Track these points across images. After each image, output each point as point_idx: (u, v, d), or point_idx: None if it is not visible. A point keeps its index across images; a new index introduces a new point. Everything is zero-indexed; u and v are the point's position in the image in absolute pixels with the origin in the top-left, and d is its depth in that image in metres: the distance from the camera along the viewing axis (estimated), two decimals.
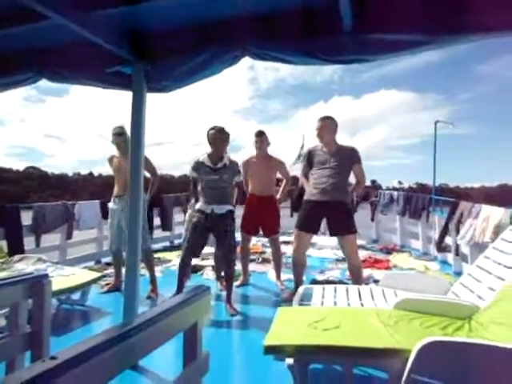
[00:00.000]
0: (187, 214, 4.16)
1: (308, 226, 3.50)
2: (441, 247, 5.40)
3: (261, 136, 4.09)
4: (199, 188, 3.52)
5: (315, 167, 3.52)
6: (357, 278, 3.47)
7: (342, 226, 3.41)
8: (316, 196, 3.44)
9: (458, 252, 5.00)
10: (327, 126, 3.50)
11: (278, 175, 4.26)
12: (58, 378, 0.72)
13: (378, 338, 1.75)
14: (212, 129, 3.34)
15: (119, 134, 3.80)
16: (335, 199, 3.37)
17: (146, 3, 1.92)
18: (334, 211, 3.40)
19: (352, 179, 3.65)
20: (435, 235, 5.87)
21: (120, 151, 3.87)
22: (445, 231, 5.25)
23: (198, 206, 3.45)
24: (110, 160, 3.97)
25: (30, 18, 1.96)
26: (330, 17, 1.91)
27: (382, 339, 1.74)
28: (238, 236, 4.49)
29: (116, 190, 3.92)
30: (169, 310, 1.12)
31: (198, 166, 3.39)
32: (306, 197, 3.59)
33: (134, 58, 2.34)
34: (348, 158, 3.47)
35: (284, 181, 4.26)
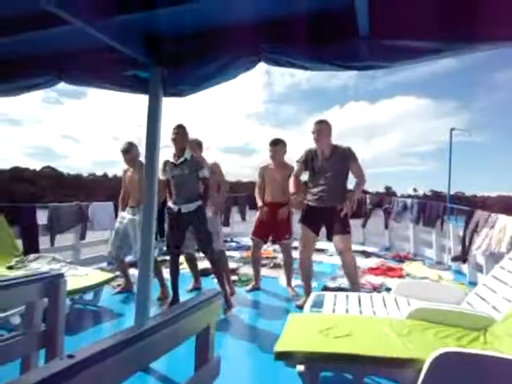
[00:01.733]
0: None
1: (310, 222, 3.54)
2: (460, 257, 5.21)
3: (274, 145, 4.08)
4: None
5: (312, 172, 3.56)
6: (353, 280, 3.48)
7: (337, 227, 3.43)
8: (314, 202, 3.51)
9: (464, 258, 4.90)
10: (324, 129, 3.51)
11: None
12: (76, 377, 0.73)
13: (390, 348, 1.73)
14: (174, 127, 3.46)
15: (125, 151, 3.88)
16: (332, 205, 3.42)
17: (163, 9, 1.95)
18: (330, 215, 3.43)
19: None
20: (450, 244, 5.77)
21: (133, 166, 3.95)
22: (463, 241, 5.11)
23: (169, 204, 3.56)
24: (125, 172, 4.07)
25: (51, 23, 2.00)
26: (346, 23, 1.91)
27: (394, 348, 1.72)
28: (249, 241, 4.51)
29: (130, 201, 3.99)
30: (181, 314, 1.12)
31: (164, 165, 3.52)
32: (305, 202, 3.62)
33: (151, 62, 2.37)
34: (343, 160, 3.48)
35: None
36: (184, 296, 3.59)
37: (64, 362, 0.74)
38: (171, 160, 3.49)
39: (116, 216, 4.34)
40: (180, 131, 3.44)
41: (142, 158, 3.62)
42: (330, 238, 3.55)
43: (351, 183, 3.63)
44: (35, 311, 1.63)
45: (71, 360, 0.76)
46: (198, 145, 4.05)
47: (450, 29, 1.77)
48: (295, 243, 4.16)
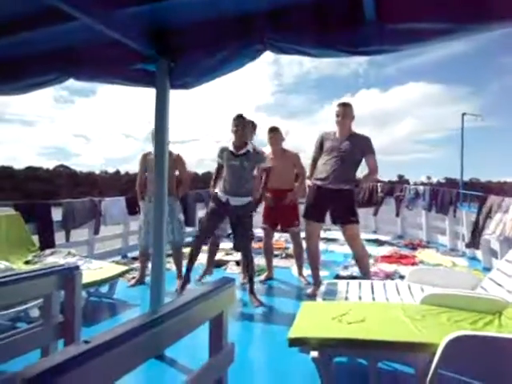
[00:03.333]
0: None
1: (314, 214, 3.51)
2: (473, 243, 5.17)
3: (273, 132, 4.10)
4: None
5: (324, 153, 3.52)
6: (363, 268, 3.47)
7: (343, 215, 3.41)
8: (319, 182, 3.47)
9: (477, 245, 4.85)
10: (348, 112, 3.47)
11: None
12: (91, 361, 0.75)
13: (403, 332, 1.73)
14: (234, 117, 3.40)
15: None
16: (337, 187, 3.36)
17: (168, 1, 1.95)
18: (336, 199, 3.39)
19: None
20: (463, 231, 5.70)
21: None
22: (476, 227, 5.05)
23: (218, 192, 3.51)
24: (144, 157, 3.94)
25: (57, 19, 2.02)
26: (351, 7, 1.88)
27: (408, 333, 1.72)
28: (260, 232, 4.52)
29: (151, 188, 3.78)
30: (195, 300, 1.14)
31: (222, 152, 3.47)
32: (312, 181, 3.60)
33: (157, 55, 2.37)
34: (359, 147, 3.42)
35: (300, 177, 4.21)
36: (194, 286, 3.64)
37: (79, 347, 0.77)
38: (230, 148, 3.42)
39: (131, 209, 4.24)
40: (242, 122, 3.38)
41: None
42: (334, 222, 3.55)
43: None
44: (52, 303, 1.67)
45: (86, 345, 0.78)
46: (253, 127, 3.96)
47: (459, 8, 1.72)
48: (303, 233, 4.15)
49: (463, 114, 6.75)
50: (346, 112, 3.45)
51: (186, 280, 3.52)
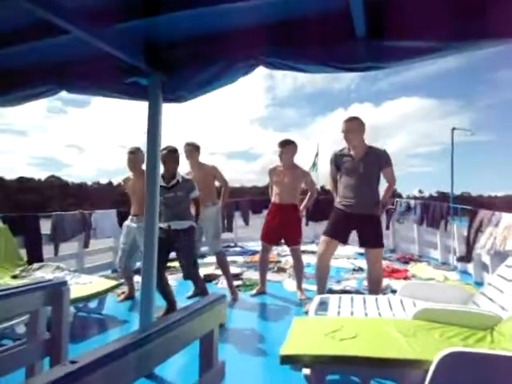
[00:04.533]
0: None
1: (337, 234, 3.41)
2: (464, 257, 5.20)
3: (283, 146, 4.03)
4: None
5: (343, 173, 3.41)
6: (375, 290, 3.42)
7: (371, 239, 3.34)
8: (344, 207, 3.37)
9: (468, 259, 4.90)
10: (354, 127, 3.34)
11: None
12: (78, 382, 0.73)
13: (396, 349, 1.71)
14: (164, 149, 3.33)
15: (131, 151, 3.95)
16: (364, 212, 3.29)
17: (161, 16, 1.97)
18: (362, 224, 3.31)
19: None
20: (455, 245, 5.73)
21: (135, 172, 3.98)
22: (467, 241, 5.09)
23: (159, 224, 3.43)
24: (126, 182, 4.10)
25: (50, 32, 2.02)
26: (342, 24, 1.91)
27: (400, 350, 1.70)
28: (258, 245, 4.48)
29: (133, 209, 4.01)
30: (185, 318, 1.12)
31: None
32: (335, 203, 3.51)
33: (150, 69, 2.38)
34: (377, 163, 3.33)
35: (309, 193, 4.22)
36: (184, 303, 3.57)
37: (66, 368, 0.74)
38: (160, 183, 3.31)
39: (123, 222, 4.32)
40: (174, 156, 3.40)
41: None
42: (362, 245, 3.44)
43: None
44: (39, 319, 1.63)
45: (74, 365, 0.76)
46: (195, 148, 4.10)
47: (450, 27, 1.75)
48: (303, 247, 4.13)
49: (453, 129, 6.82)
50: (351, 127, 3.34)
51: (171, 306, 3.40)
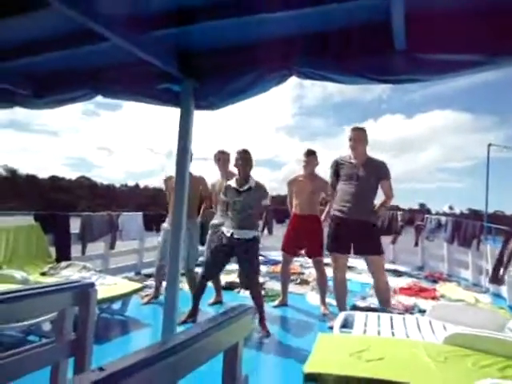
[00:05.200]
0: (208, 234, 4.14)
1: (339, 247, 3.43)
2: (496, 279, 4.98)
3: (308, 156, 4.03)
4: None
5: (342, 180, 3.47)
6: (384, 300, 3.35)
7: (368, 247, 3.33)
8: (340, 213, 3.41)
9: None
10: (362, 137, 3.44)
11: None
12: None
13: (426, 375, 1.63)
14: (236, 152, 3.36)
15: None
16: (360, 219, 3.31)
17: (195, 24, 1.99)
18: (359, 231, 3.31)
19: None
20: (487, 266, 5.49)
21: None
22: (500, 262, 4.87)
23: (223, 228, 3.46)
24: (167, 181, 4.07)
25: (89, 39, 2.09)
26: (382, 36, 1.87)
27: (430, 376, 1.62)
28: (279, 255, 4.44)
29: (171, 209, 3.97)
30: (211, 329, 1.10)
31: (226, 189, 3.46)
32: (332, 212, 3.55)
33: (183, 75, 2.41)
34: (376, 173, 3.39)
35: (329, 204, 4.17)
36: (206, 310, 3.56)
37: (95, 375, 0.74)
38: (233, 185, 3.39)
39: (149, 225, 4.31)
40: (245, 157, 3.36)
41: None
42: (358, 253, 3.46)
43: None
44: (66, 319, 1.64)
45: (102, 373, 0.75)
46: (227, 155, 4.12)
47: (490, 40, 1.69)
48: (326, 259, 4.06)
49: (489, 145, 6.59)
50: (359, 136, 3.42)
51: (194, 311, 3.41)
